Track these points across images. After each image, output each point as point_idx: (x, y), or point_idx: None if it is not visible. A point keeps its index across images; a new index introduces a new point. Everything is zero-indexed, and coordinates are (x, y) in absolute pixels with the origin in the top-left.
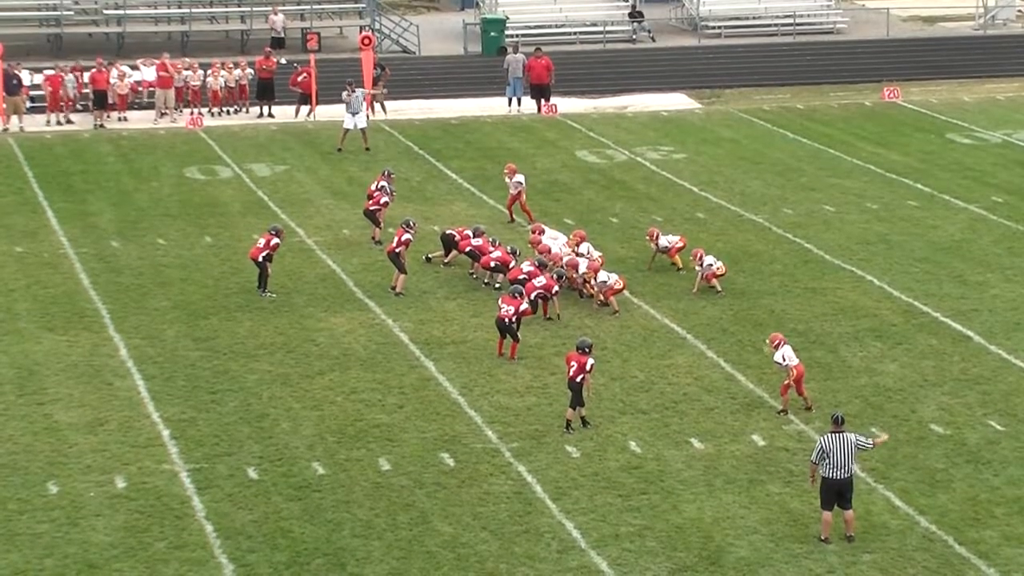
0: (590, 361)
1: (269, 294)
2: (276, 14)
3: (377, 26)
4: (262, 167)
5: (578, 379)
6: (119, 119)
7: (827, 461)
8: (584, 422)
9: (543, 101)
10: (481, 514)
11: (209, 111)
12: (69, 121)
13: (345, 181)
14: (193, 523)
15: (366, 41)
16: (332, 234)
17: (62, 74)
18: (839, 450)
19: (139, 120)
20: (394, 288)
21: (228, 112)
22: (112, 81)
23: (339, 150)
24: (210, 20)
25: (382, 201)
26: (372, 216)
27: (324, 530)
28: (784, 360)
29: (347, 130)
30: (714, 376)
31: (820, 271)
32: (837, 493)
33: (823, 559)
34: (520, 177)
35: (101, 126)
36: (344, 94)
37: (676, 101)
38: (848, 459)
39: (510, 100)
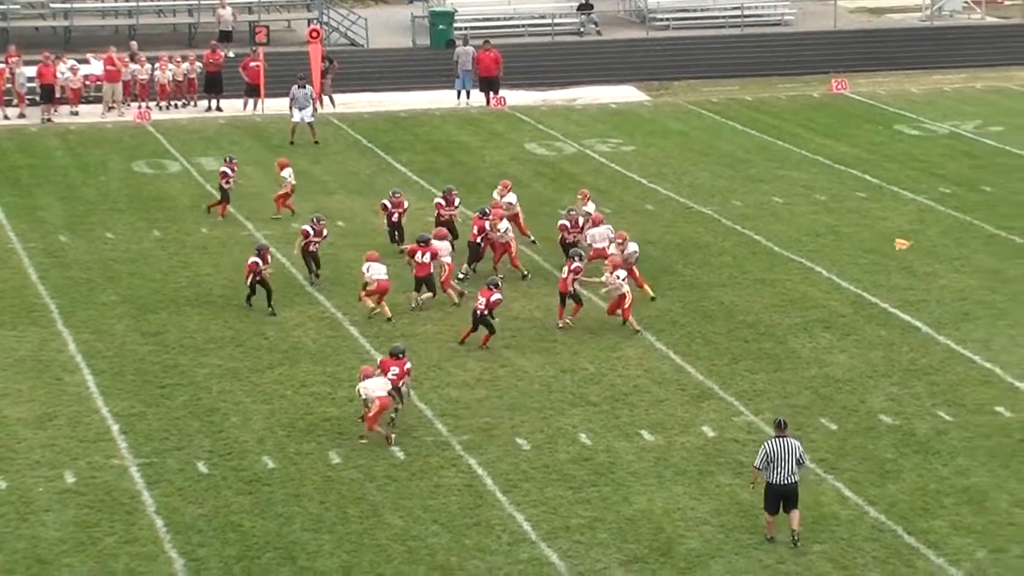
0: (406, 365)
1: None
2: (224, 7)
3: (325, 19)
4: (211, 161)
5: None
6: (71, 113)
7: (771, 466)
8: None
9: (492, 94)
10: (432, 507)
11: (157, 105)
12: (6, 117)
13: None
14: (143, 518)
15: (314, 34)
16: (281, 228)
17: (13, 68)
18: (783, 455)
19: (87, 114)
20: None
21: (176, 106)
22: (64, 75)
23: (292, 143)
24: (157, 14)
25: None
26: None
27: (274, 524)
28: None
29: (296, 124)
30: (664, 368)
31: (769, 263)
32: (783, 496)
33: (773, 550)
34: (512, 197)
35: (49, 120)
36: (294, 88)
37: (624, 93)
38: (792, 464)
39: (459, 93)
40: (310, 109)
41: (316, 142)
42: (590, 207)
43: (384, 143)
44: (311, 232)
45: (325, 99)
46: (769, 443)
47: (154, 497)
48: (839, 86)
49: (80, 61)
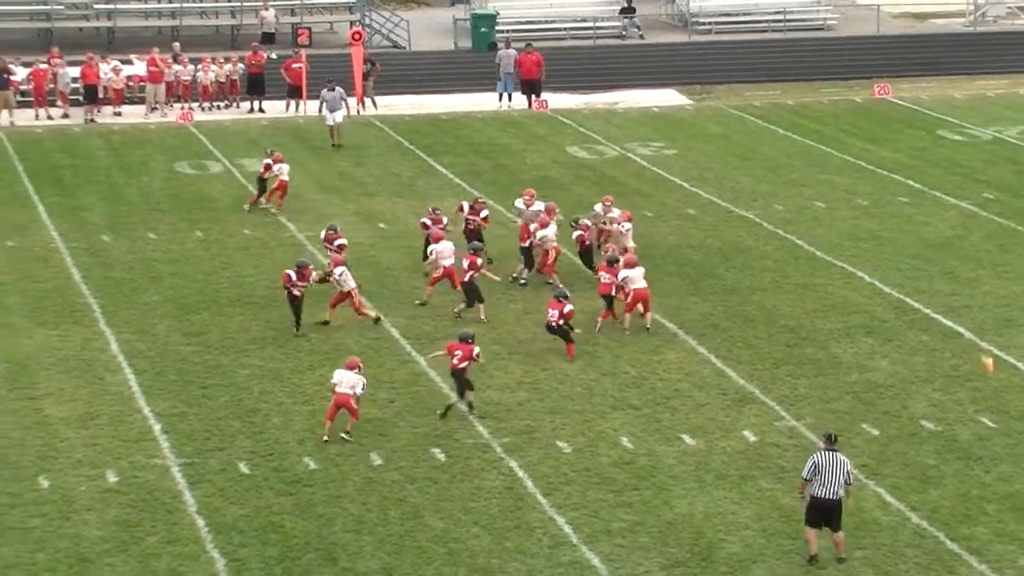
0: (476, 349)
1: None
2: (267, 9)
3: (367, 21)
4: (253, 162)
5: (461, 367)
6: (114, 114)
7: (818, 479)
8: (470, 407)
9: (534, 97)
10: (472, 509)
11: (200, 106)
12: (50, 117)
13: (336, 176)
14: (185, 517)
15: (356, 36)
16: (323, 229)
17: (56, 69)
18: (830, 469)
19: (130, 115)
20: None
21: (219, 107)
22: (107, 75)
23: (334, 147)
24: (200, 15)
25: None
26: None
27: (315, 525)
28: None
29: (331, 126)
30: (705, 372)
31: (811, 267)
32: (826, 512)
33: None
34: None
35: (92, 120)
36: (323, 91)
37: (666, 97)
38: (839, 479)
39: (500, 95)
40: (341, 111)
41: (339, 145)
42: (614, 213)
43: (425, 145)
44: (293, 277)
45: (367, 101)
46: (817, 455)
47: (196, 497)
48: (882, 91)
49: (123, 62)
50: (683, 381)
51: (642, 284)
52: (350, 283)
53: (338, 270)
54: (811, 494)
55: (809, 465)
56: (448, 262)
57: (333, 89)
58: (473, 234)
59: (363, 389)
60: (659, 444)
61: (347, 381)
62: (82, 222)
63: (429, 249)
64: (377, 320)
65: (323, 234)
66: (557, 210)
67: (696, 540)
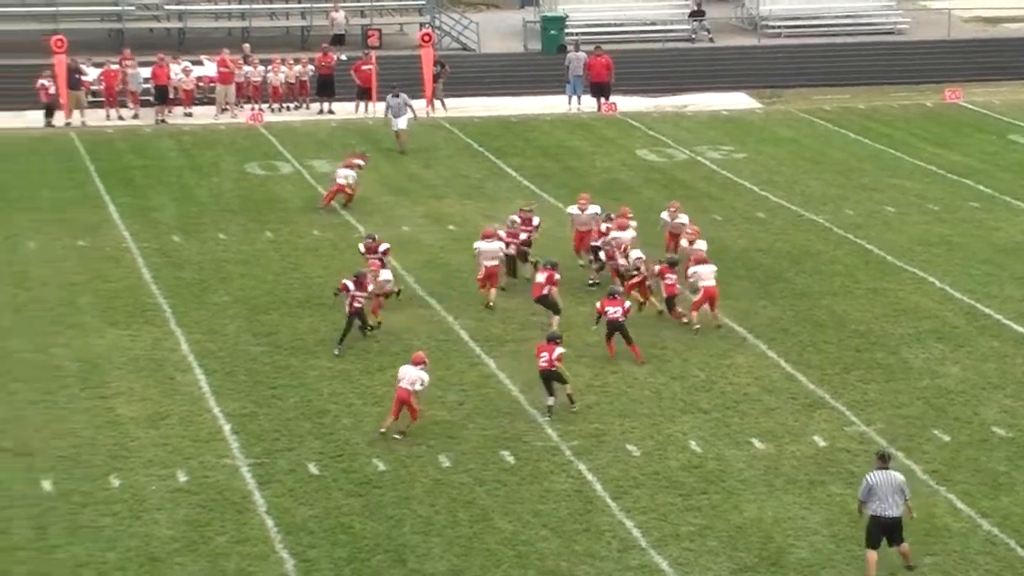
0: (559, 350)
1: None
2: (337, 11)
3: (437, 23)
4: (322, 163)
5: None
6: (185, 114)
7: (875, 498)
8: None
9: (603, 99)
10: (541, 512)
11: (270, 107)
12: (121, 117)
13: (406, 178)
14: (254, 518)
15: (426, 38)
16: (392, 231)
17: (127, 70)
18: (885, 487)
19: (201, 115)
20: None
21: (288, 108)
22: (177, 76)
23: (400, 152)
24: (270, 16)
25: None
26: None
27: (385, 526)
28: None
29: (397, 132)
30: (775, 376)
31: (881, 272)
32: (887, 529)
33: (885, 560)
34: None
35: (163, 121)
36: (388, 96)
37: (736, 100)
38: (896, 496)
39: (570, 98)
40: (406, 116)
41: (404, 152)
42: (683, 218)
43: (495, 147)
44: (351, 287)
45: (437, 103)
46: (871, 475)
47: (265, 497)
48: (952, 95)
49: (193, 63)
50: (752, 385)
51: (711, 282)
52: (390, 287)
53: (384, 274)
54: (871, 514)
55: (864, 487)
56: (490, 263)
57: (397, 95)
58: (525, 245)
59: (423, 385)
60: (728, 448)
61: (409, 377)
62: (153, 222)
63: (475, 246)
64: (372, 327)
65: (362, 246)
66: (631, 213)
67: (765, 545)
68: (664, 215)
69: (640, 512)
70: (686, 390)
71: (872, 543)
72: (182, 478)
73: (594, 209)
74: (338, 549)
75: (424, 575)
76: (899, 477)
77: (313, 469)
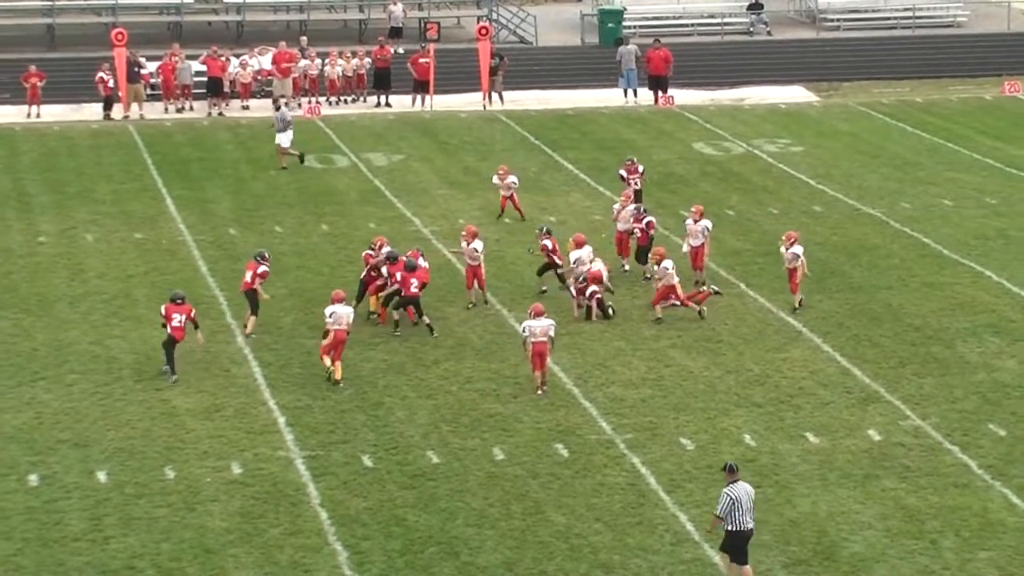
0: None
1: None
2: (395, 4)
3: (494, 16)
4: (379, 156)
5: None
6: (242, 107)
7: (738, 511)
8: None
9: (660, 92)
10: (595, 505)
11: (327, 100)
12: (180, 109)
13: (461, 171)
14: (308, 510)
15: (483, 31)
16: (448, 223)
17: (176, 63)
18: (746, 500)
19: (257, 108)
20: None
21: (346, 101)
22: (235, 69)
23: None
24: (328, 9)
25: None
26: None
27: (438, 519)
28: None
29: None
30: (829, 370)
31: (938, 266)
32: (746, 542)
33: (939, 555)
34: (513, 178)
35: (220, 114)
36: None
37: (794, 94)
38: (752, 509)
39: (625, 91)
40: (288, 133)
41: (284, 168)
42: (705, 222)
43: (551, 140)
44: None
45: (494, 96)
46: (731, 489)
47: (319, 490)
48: (1011, 88)
49: (251, 56)
50: (807, 379)
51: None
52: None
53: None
54: (732, 528)
55: (726, 502)
56: (594, 266)
57: (279, 108)
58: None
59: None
60: (782, 442)
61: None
62: (209, 215)
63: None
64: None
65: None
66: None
67: (819, 539)
68: (689, 223)
69: (693, 506)
70: (740, 384)
71: (742, 558)
72: (236, 470)
73: (632, 208)
74: (391, 541)
75: (477, 568)
76: (751, 489)
77: (367, 461)
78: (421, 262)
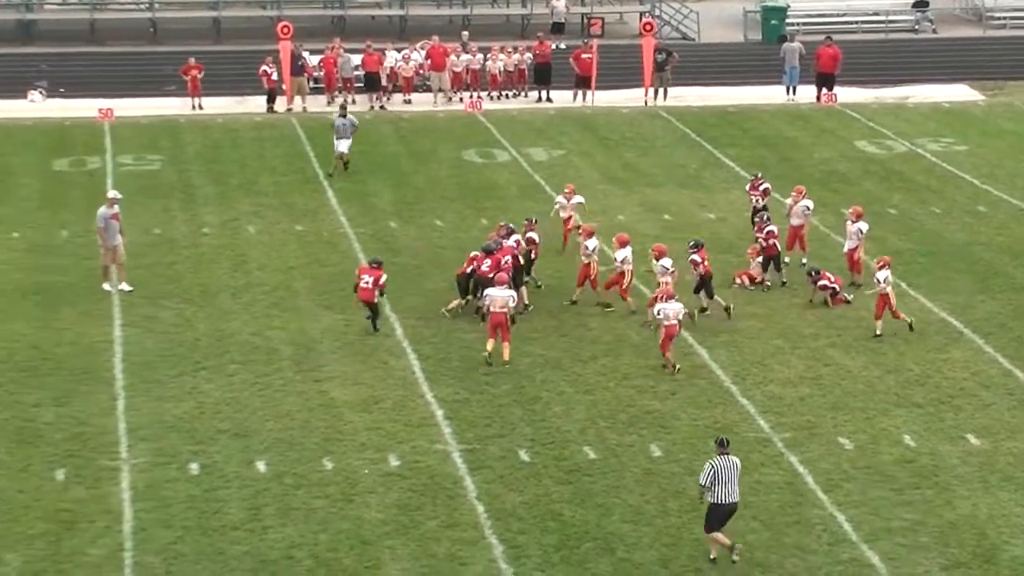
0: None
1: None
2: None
3: (657, 12)
4: (539, 151)
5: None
6: (404, 101)
7: (719, 484)
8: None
9: (824, 90)
10: (752, 503)
11: (488, 95)
12: (346, 103)
13: (621, 167)
14: (465, 503)
15: (647, 27)
16: (607, 219)
17: (337, 57)
18: (729, 472)
19: (420, 102)
20: None
21: (507, 96)
22: (397, 63)
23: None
24: (492, 3)
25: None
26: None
27: (594, 514)
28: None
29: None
30: (992, 371)
31: None
32: (728, 515)
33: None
34: (579, 198)
35: (382, 107)
36: (336, 117)
37: (958, 92)
38: (737, 482)
39: (787, 88)
40: (347, 140)
41: (330, 175)
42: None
43: (712, 137)
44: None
45: (660, 91)
46: (715, 461)
47: (476, 483)
48: None
49: (412, 50)
50: (969, 380)
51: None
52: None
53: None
54: (713, 501)
55: (708, 473)
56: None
57: (345, 115)
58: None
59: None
60: (942, 443)
61: (501, 300)
62: (370, 208)
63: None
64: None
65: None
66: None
67: (979, 542)
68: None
69: (852, 506)
70: (900, 384)
71: (715, 528)
72: (394, 462)
73: (806, 203)
74: (547, 536)
75: (633, 564)
76: (738, 462)
77: (524, 456)
78: (510, 241)
